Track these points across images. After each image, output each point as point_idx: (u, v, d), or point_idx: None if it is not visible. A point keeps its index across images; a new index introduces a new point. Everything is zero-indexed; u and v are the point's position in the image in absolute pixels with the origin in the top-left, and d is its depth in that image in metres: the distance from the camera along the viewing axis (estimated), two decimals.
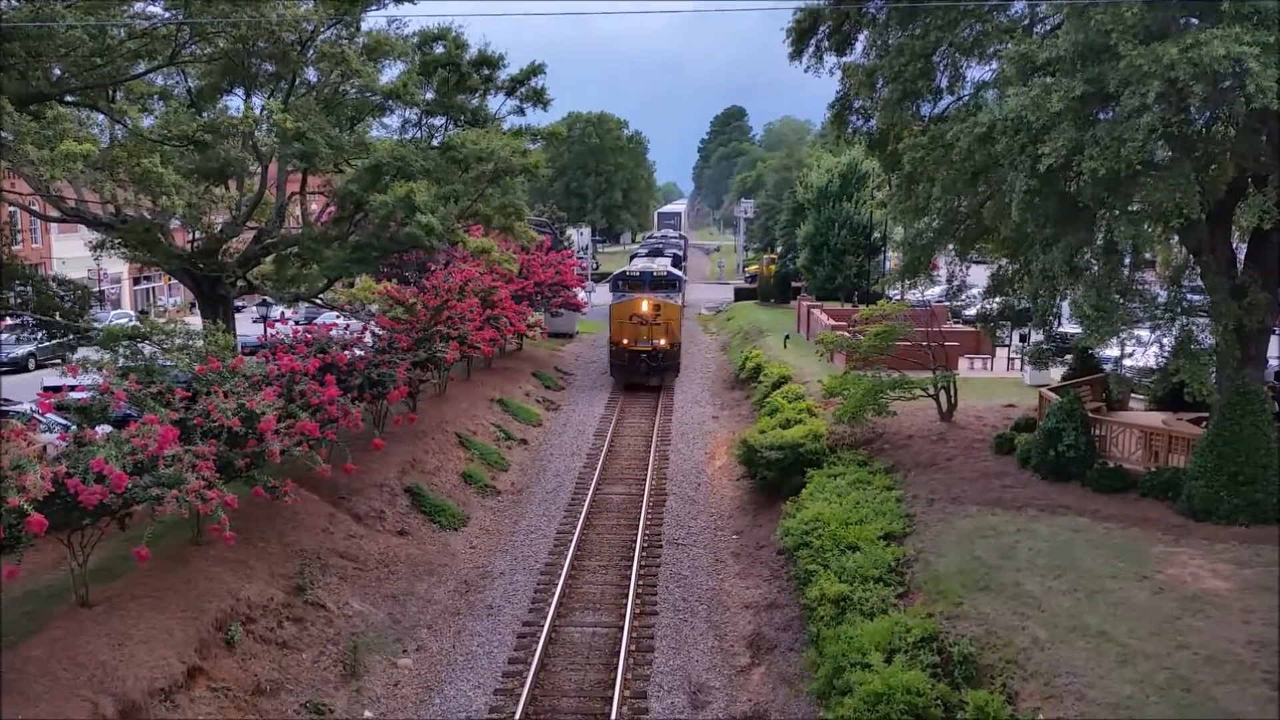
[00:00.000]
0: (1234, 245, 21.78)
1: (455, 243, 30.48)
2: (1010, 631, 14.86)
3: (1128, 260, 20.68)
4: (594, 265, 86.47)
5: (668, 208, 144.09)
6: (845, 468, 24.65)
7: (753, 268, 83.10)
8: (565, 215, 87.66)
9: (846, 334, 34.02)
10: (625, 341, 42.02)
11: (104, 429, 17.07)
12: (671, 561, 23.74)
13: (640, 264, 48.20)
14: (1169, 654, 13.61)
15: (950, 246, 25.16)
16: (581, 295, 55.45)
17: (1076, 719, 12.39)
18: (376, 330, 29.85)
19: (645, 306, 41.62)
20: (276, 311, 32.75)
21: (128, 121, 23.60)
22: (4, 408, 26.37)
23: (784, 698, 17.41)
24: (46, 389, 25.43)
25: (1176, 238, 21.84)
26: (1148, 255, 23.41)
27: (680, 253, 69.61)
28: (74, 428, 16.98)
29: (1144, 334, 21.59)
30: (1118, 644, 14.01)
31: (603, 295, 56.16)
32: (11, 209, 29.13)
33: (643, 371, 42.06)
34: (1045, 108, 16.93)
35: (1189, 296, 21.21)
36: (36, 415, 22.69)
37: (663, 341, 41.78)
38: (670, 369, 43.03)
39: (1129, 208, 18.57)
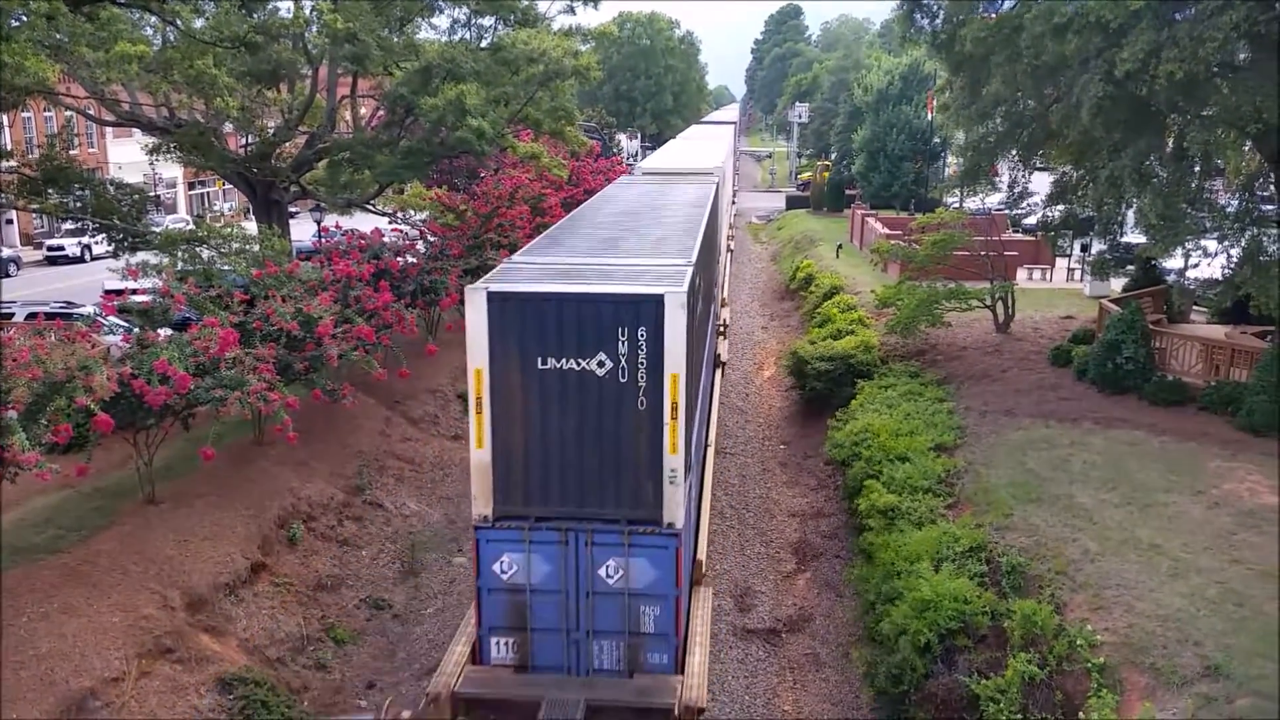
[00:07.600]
0: None
1: (505, 148, 30.18)
2: (1060, 543, 14.82)
3: (1196, 168, 19.93)
4: None
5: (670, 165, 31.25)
6: (897, 379, 24.46)
7: (806, 175, 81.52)
8: (614, 120, 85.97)
9: (902, 243, 33.40)
10: None
11: (165, 332, 17.40)
12: (720, 470, 23.92)
13: None
14: (1222, 569, 13.51)
15: (1013, 151, 24.44)
16: None
17: (1125, 629, 12.40)
18: (429, 237, 29.87)
19: None
20: (330, 220, 32.84)
21: (180, 23, 23.47)
22: (68, 310, 27.01)
23: (829, 603, 17.66)
24: (108, 292, 25.95)
25: (1249, 144, 20.96)
26: (1218, 163, 22.57)
27: None
28: (136, 330, 17.34)
29: (1210, 244, 20.93)
30: (1170, 557, 13.93)
31: None
32: (68, 113, 29.27)
33: None
34: (1124, 4, 16.21)
35: (1261, 207, 20.46)
36: (100, 317, 23.17)
37: None
38: None
39: (1203, 112, 17.82)
